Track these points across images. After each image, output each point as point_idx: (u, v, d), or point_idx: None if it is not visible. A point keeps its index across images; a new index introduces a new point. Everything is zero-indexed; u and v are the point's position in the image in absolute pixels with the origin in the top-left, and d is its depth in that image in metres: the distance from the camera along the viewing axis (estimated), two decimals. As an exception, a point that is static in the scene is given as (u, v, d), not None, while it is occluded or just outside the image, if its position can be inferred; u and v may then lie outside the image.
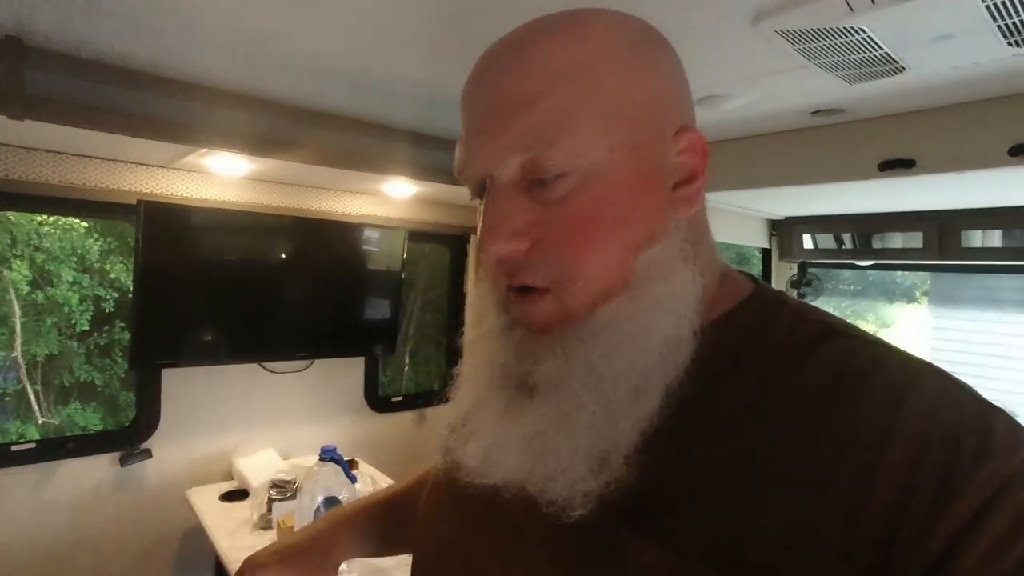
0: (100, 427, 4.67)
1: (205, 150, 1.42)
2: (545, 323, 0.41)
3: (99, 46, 1.14)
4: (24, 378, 4.51)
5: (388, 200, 2.16)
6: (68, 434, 4.51)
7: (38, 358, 4.60)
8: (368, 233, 2.05)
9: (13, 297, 4.42)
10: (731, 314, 0.43)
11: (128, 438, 1.75)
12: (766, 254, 3.54)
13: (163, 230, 1.64)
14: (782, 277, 3.52)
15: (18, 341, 4.47)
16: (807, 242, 3.32)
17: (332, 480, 1.28)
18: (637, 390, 0.38)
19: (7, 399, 4.58)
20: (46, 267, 4.59)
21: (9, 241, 4.42)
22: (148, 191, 1.67)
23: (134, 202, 1.59)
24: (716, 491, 0.36)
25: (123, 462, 1.70)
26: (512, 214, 0.40)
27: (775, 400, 0.38)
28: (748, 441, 0.37)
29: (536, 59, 0.39)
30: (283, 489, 1.54)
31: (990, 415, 0.35)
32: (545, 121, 0.38)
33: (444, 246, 2.53)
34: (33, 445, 1.61)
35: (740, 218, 3.04)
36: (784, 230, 3.30)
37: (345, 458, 1.97)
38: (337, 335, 2.08)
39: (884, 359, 0.38)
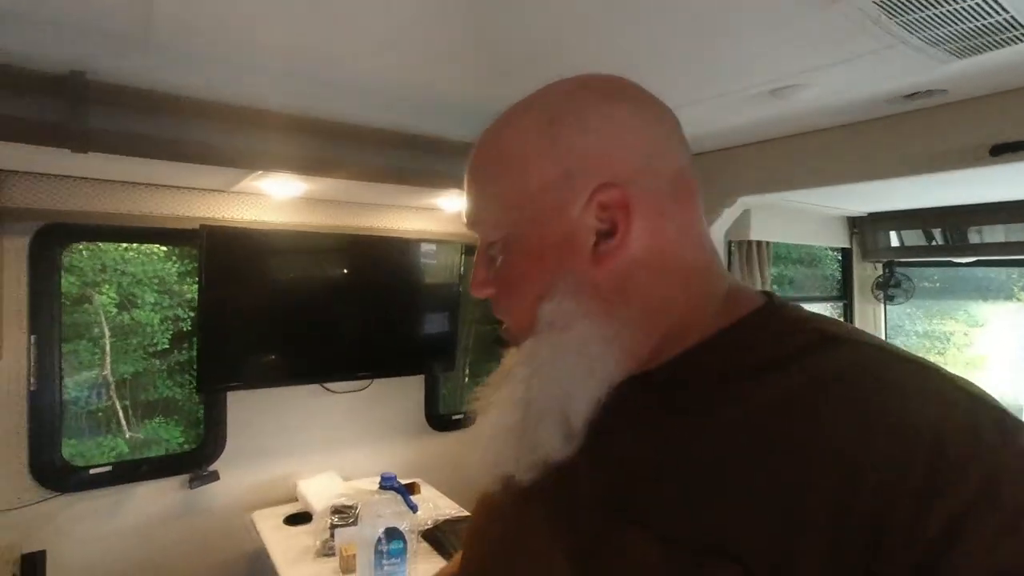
0: (181, 440, 4.90)
1: (260, 173, 1.42)
2: (514, 342, 0.52)
3: (154, 78, 1.15)
4: (113, 395, 4.80)
5: (443, 215, 2.13)
6: (148, 452, 4.78)
7: (125, 376, 4.88)
8: (424, 248, 2.02)
9: (103, 319, 4.72)
10: (726, 331, 0.46)
11: (196, 460, 1.78)
12: (845, 255, 3.28)
13: (224, 253, 1.66)
14: (865, 279, 3.25)
15: (108, 360, 4.76)
16: (893, 239, 3.05)
17: (392, 510, 1.23)
18: (564, 399, 0.45)
19: (99, 415, 4.89)
20: (131, 290, 4.88)
21: (100, 267, 4.73)
22: (210, 216, 1.70)
23: (197, 227, 1.62)
24: (699, 490, 0.40)
25: (191, 484, 1.73)
26: (478, 270, 0.52)
27: (756, 408, 0.40)
28: (734, 445, 0.40)
29: (474, 160, 0.51)
30: (344, 515, 1.51)
31: (978, 412, 0.36)
32: (476, 205, 0.51)
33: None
34: (110, 468, 1.66)
35: (814, 217, 2.82)
36: (866, 228, 3.04)
37: (406, 480, 1.94)
38: (396, 353, 2.05)
39: (868, 363, 0.40)
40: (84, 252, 4.67)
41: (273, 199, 1.78)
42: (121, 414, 4.80)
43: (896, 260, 3.09)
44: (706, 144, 1.90)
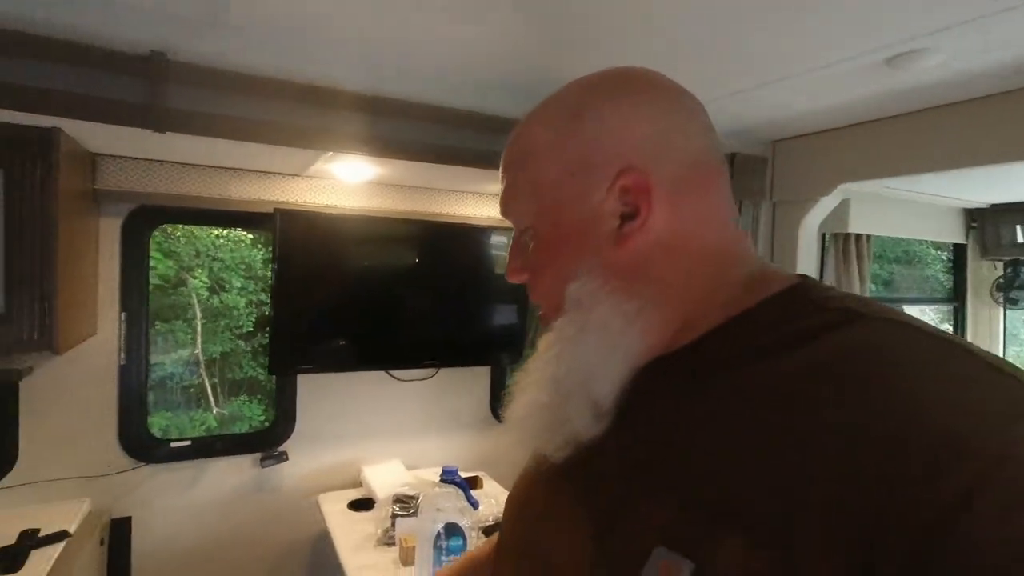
0: (262, 418, 5.18)
1: (331, 155, 1.41)
2: (547, 323, 0.54)
3: (231, 59, 1.16)
4: (203, 373, 5.14)
5: (514, 202, 2.07)
6: (233, 427, 5.08)
7: (214, 355, 5.21)
8: (495, 237, 1.97)
9: (195, 302, 5.05)
10: (749, 311, 0.47)
11: (267, 440, 1.82)
12: (959, 251, 2.93)
13: (297, 237, 1.68)
14: (982, 279, 2.90)
15: (199, 340, 5.10)
16: (1019, 235, 2.69)
17: (452, 504, 1.18)
18: (590, 376, 0.48)
19: (192, 390, 5.25)
20: (221, 275, 5.18)
21: (194, 252, 5.06)
22: (284, 200, 1.72)
23: (271, 211, 1.64)
24: (713, 459, 0.41)
25: (262, 463, 1.77)
26: (514, 257, 0.56)
27: (771, 385, 0.42)
28: (739, 419, 0.42)
29: (507, 148, 0.55)
30: (406, 505, 1.48)
31: (1004, 388, 0.36)
32: (509, 194, 0.55)
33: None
34: (189, 443, 1.73)
35: (925, 208, 2.52)
36: (987, 221, 2.69)
37: (470, 473, 1.90)
38: (463, 343, 2.02)
39: (887, 339, 0.40)
40: (181, 238, 5.01)
41: (345, 183, 1.78)
42: (209, 391, 5.13)
43: (1022, 258, 2.72)
44: (801, 126, 1.72)
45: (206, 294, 5.10)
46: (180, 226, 4.66)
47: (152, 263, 4.83)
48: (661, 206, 0.47)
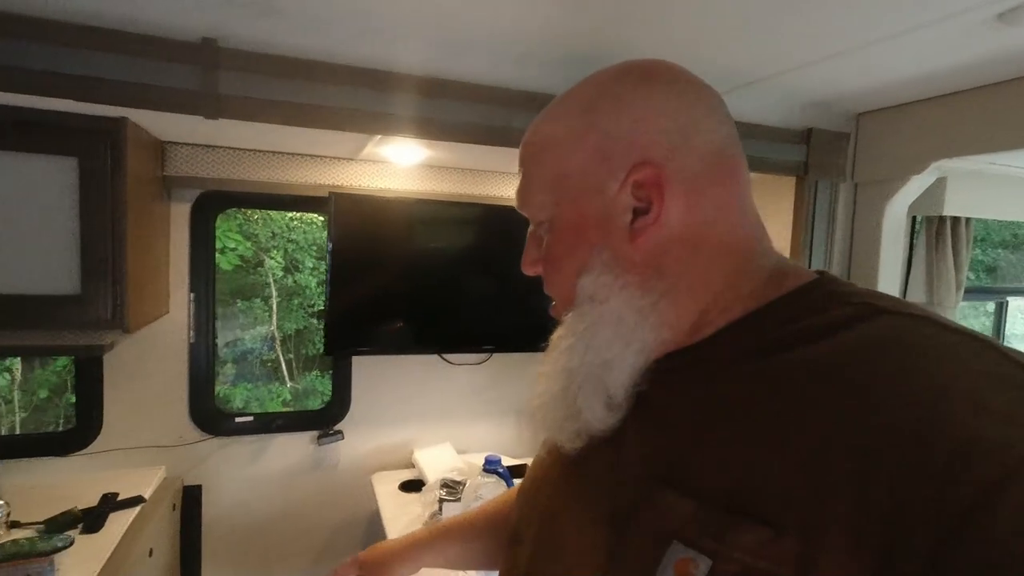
0: (331, 393, 5.43)
1: (380, 138, 1.40)
2: (558, 316, 0.55)
3: (282, 43, 1.16)
4: (278, 349, 5.43)
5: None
6: (306, 401, 5.35)
7: (289, 332, 5.48)
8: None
9: (271, 281, 5.32)
10: (769, 305, 0.47)
11: (324, 419, 1.88)
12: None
13: (351, 220, 1.70)
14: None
15: (274, 318, 5.38)
16: None
17: (494, 495, 1.16)
18: (602, 369, 0.49)
19: (269, 365, 5.56)
20: (295, 255, 5.43)
21: (271, 234, 5.32)
22: (338, 183, 1.74)
23: (327, 194, 1.67)
24: (733, 452, 0.42)
25: (319, 441, 1.83)
26: (529, 249, 0.57)
27: (792, 378, 0.41)
28: (762, 412, 0.42)
29: (524, 142, 0.56)
30: (453, 490, 1.49)
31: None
32: (525, 187, 0.55)
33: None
34: (251, 419, 1.81)
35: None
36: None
37: (518, 461, 1.88)
38: (517, 329, 1.98)
39: (911, 333, 0.40)
40: (259, 221, 5.27)
41: (398, 166, 1.77)
42: (284, 366, 5.42)
43: None
44: (891, 96, 1.54)
45: (281, 274, 5.36)
46: (258, 209, 4.89)
47: (233, 244, 5.11)
48: (676, 201, 0.47)
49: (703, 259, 0.48)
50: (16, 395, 4.40)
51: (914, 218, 2.03)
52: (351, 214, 1.70)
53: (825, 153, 1.63)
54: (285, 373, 5.39)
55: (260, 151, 1.66)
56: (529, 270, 0.57)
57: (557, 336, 0.54)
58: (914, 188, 1.64)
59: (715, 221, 0.48)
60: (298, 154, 1.69)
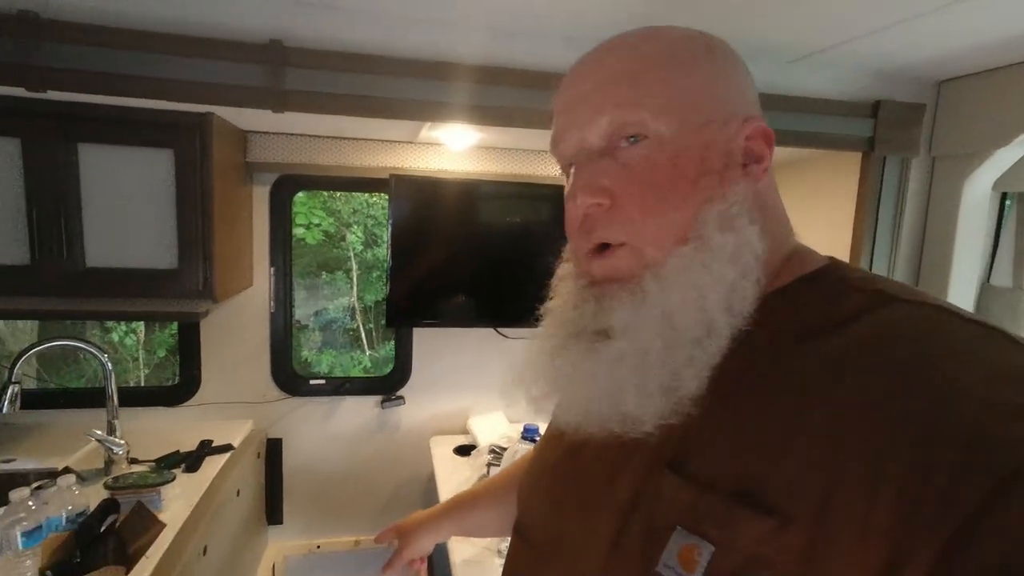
0: (394, 361, 5.72)
1: (430, 124, 1.48)
2: (625, 272, 0.48)
3: (342, 38, 1.26)
4: (359, 319, 5.78)
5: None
6: (385, 368, 5.68)
7: (368, 304, 5.81)
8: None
9: (352, 255, 5.64)
10: (785, 288, 0.47)
11: (387, 385, 2.04)
12: None
13: (410, 200, 1.81)
14: None
15: (355, 289, 5.71)
16: None
17: (529, 460, 1.24)
18: (706, 328, 0.44)
19: (350, 333, 5.94)
20: (374, 231, 5.71)
21: (352, 210, 5.62)
22: (398, 166, 1.85)
23: (388, 176, 1.78)
24: (742, 440, 0.41)
25: (383, 405, 1.99)
26: (600, 174, 0.48)
27: (808, 365, 0.41)
28: (775, 401, 0.41)
29: (626, 53, 0.49)
30: (499, 456, 1.58)
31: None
32: (633, 92, 0.47)
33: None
34: (324, 382, 1.99)
35: None
36: None
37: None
38: (568, 304, 2.04)
39: (924, 323, 0.40)
40: (341, 198, 5.58)
41: (453, 148, 1.85)
42: (364, 335, 5.77)
43: None
44: (975, 63, 1.42)
45: (361, 248, 5.67)
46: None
47: (317, 220, 5.44)
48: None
49: (770, 222, 0.49)
50: (141, 354, 5.02)
51: (1003, 195, 1.85)
52: (410, 194, 1.81)
53: (895, 126, 1.53)
54: (364, 342, 5.75)
55: (328, 137, 1.79)
56: (596, 197, 0.48)
57: (628, 273, 0.48)
58: (999, 162, 1.51)
59: (773, 188, 0.51)
60: (361, 139, 1.81)
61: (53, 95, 1.23)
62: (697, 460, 0.43)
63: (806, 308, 0.45)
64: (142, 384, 4.87)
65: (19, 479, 1.49)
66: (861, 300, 0.43)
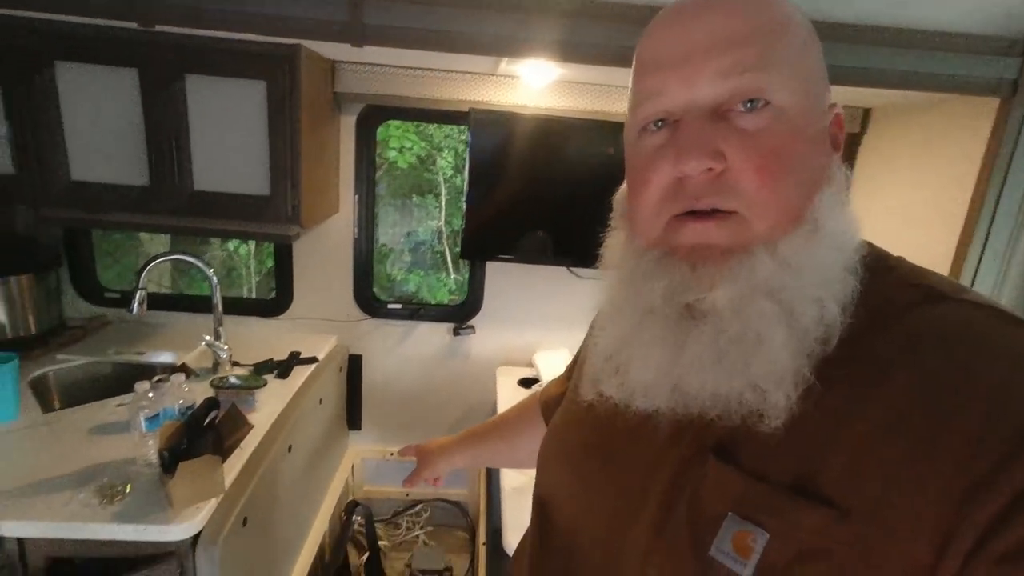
0: (467, 292, 5.90)
1: (508, 60, 1.44)
2: (727, 241, 0.44)
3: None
4: (445, 243, 5.97)
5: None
6: (466, 292, 5.88)
7: (456, 228, 5.97)
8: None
9: (441, 179, 5.75)
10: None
11: (460, 314, 2.13)
12: None
13: (489, 134, 1.80)
14: None
15: (443, 213, 5.86)
16: None
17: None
18: (820, 320, 0.42)
19: (438, 256, 6.17)
20: (464, 156, 5.74)
21: (444, 135, 5.68)
22: (478, 99, 1.83)
23: (467, 109, 1.78)
24: (794, 432, 0.41)
25: (455, 333, 2.10)
26: (713, 136, 0.43)
27: (859, 358, 0.41)
28: (830, 391, 0.41)
29: (746, 9, 0.44)
30: (556, 392, 1.63)
31: None
32: (759, 54, 0.43)
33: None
34: (400, 306, 2.12)
35: None
36: None
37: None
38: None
39: (976, 324, 0.40)
40: (433, 124, 5.62)
41: (532, 83, 1.80)
42: (449, 259, 5.97)
43: None
44: None
45: (451, 173, 5.75)
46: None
47: (410, 144, 5.55)
48: None
49: None
50: (252, 263, 5.55)
51: None
52: (488, 128, 1.80)
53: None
54: (450, 265, 5.96)
55: (411, 68, 1.80)
56: (711, 160, 0.42)
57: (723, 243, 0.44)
58: None
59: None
60: (442, 70, 1.80)
61: (162, 29, 1.32)
62: (747, 448, 0.43)
63: (857, 302, 0.43)
64: (253, 289, 5.41)
65: (148, 370, 1.75)
66: (911, 296, 0.43)
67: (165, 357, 1.78)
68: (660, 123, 0.47)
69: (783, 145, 0.42)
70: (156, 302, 2.05)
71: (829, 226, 0.43)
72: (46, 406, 1.49)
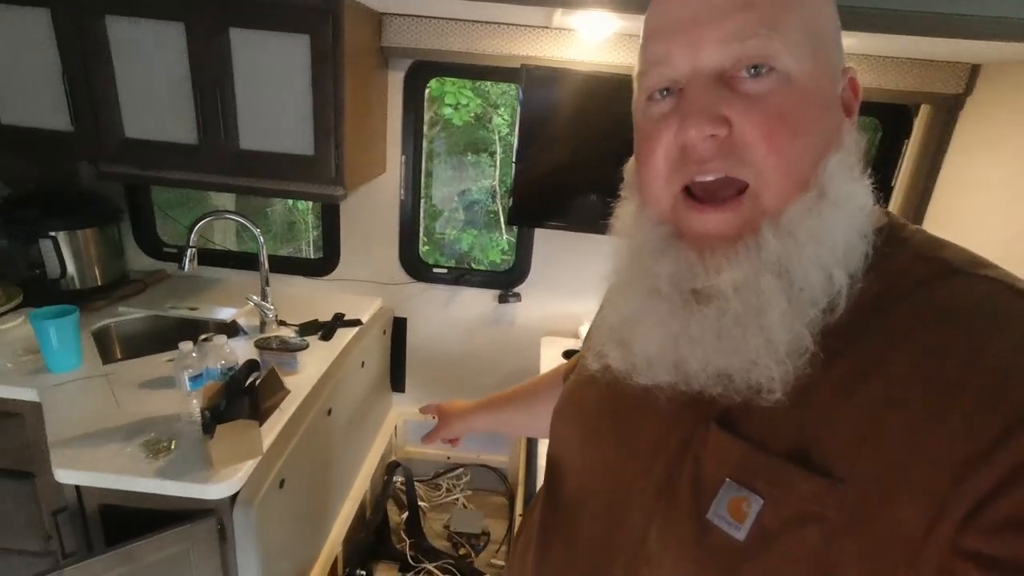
0: (514, 258, 5.82)
1: (561, 10, 1.32)
2: (742, 228, 0.44)
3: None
4: (498, 202, 5.89)
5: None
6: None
7: (509, 186, 5.87)
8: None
9: (496, 138, 5.63)
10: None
11: (506, 281, 2.07)
12: None
13: (542, 93, 1.69)
14: None
15: (497, 172, 5.77)
16: None
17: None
18: (826, 287, 0.42)
19: (491, 215, 6.11)
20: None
21: (500, 92, 5.53)
22: (531, 55, 1.71)
23: (518, 66, 1.67)
24: (796, 401, 0.41)
25: (500, 299, 2.04)
26: (718, 102, 0.42)
27: (868, 330, 0.41)
28: (830, 365, 0.41)
29: None
30: (600, 369, 1.57)
31: None
32: (765, 18, 0.42)
33: (874, 118, 1.84)
34: (446, 271, 2.08)
35: None
36: None
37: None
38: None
39: (988, 299, 0.39)
40: (489, 81, 5.47)
41: (588, 36, 1.66)
42: (503, 219, 5.90)
43: None
44: None
45: (506, 131, 5.62)
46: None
47: (465, 101, 5.44)
48: None
49: None
50: (310, 218, 5.67)
51: None
52: (541, 86, 1.69)
53: None
54: (503, 225, 5.89)
55: (461, 20, 1.69)
56: (715, 125, 0.42)
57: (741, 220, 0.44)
58: None
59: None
60: (493, 22, 1.68)
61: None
62: (749, 417, 0.44)
63: (875, 273, 0.43)
64: (311, 244, 5.54)
65: (203, 326, 1.80)
66: (925, 270, 0.42)
67: (222, 313, 1.83)
68: (666, 92, 0.47)
69: (789, 110, 0.42)
70: (214, 258, 2.10)
71: (835, 192, 0.43)
72: (107, 356, 1.56)
